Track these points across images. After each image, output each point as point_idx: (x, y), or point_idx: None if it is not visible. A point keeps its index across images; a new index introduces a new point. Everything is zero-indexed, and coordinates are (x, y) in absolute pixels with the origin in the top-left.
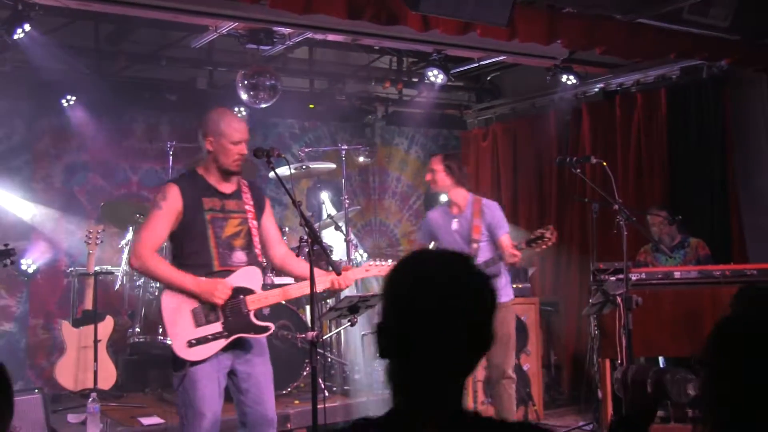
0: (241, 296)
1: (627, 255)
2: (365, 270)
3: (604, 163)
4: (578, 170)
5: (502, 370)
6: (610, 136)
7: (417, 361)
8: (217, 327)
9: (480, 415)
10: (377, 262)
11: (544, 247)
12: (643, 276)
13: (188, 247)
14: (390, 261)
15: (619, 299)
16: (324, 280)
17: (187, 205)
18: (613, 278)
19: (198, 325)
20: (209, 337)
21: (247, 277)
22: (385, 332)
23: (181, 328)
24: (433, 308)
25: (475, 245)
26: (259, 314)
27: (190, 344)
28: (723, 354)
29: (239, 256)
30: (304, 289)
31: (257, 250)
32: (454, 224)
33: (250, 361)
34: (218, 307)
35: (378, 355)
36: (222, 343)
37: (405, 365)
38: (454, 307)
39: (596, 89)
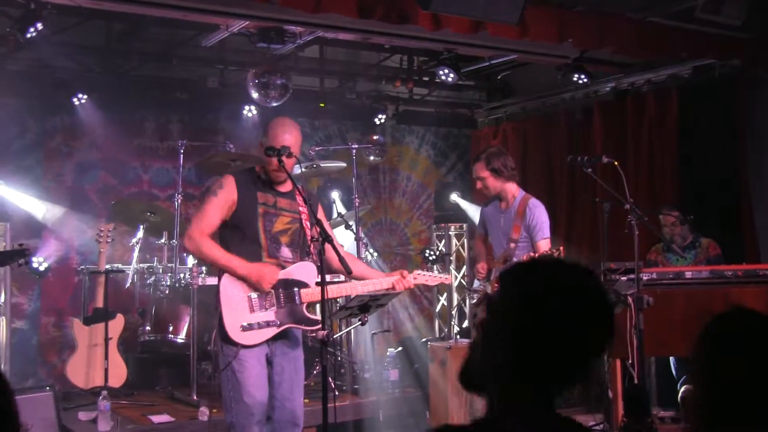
0: (296, 289)
1: (638, 255)
2: (413, 278)
3: (616, 163)
4: (589, 170)
5: None
6: (621, 136)
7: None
8: (270, 315)
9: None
10: (424, 273)
11: None
12: (654, 276)
13: (239, 237)
14: (438, 275)
15: (630, 299)
16: (384, 281)
17: (241, 196)
18: (624, 278)
19: (253, 311)
20: (262, 323)
21: (304, 271)
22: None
23: (236, 312)
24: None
25: (512, 245)
26: (310, 308)
27: (243, 328)
28: (705, 353)
29: (286, 251)
30: (356, 287)
31: (310, 249)
32: (501, 220)
33: (286, 354)
34: (273, 296)
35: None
36: (273, 331)
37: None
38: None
39: (607, 88)
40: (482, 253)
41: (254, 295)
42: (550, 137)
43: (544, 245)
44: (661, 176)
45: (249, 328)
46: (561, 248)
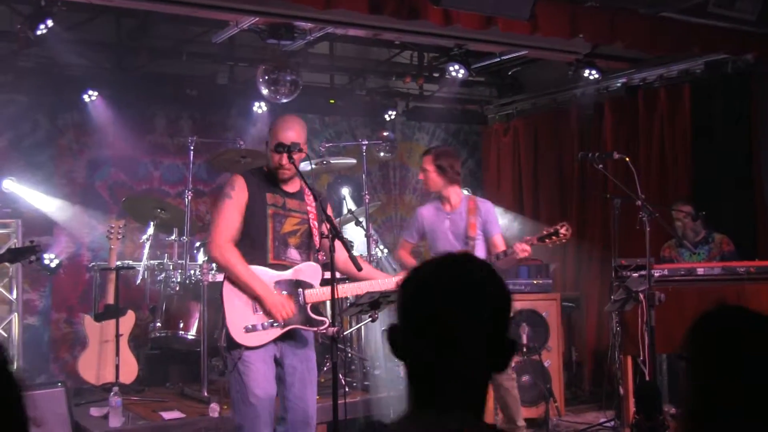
0: (300, 289)
1: (650, 251)
2: None
3: (627, 159)
4: (601, 165)
5: None
6: (632, 132)
7: (417, 368)
8: (270, 316)
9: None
10: None
11: (557, 243)
12: (666, 272)
13: (246, 237)
14: None
15: (641, 296)
16: (389, 281)
17: (251, 196)
18: (635, 274)
19: (256, 312)
20: (266, 324)
21: (308, 272)
22: (394, 339)
23: (239, 313)
24: (434, 312)
25: (471, 243)
26: (314, 308)
27: (247, 330)
28: (697, 348)
29: (293, 253)
30: (360, 287)
31: (317, 247)
32: (447, 222)
33: (297, 354)
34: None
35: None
36: (277, 332)
37: (416, 372)
38: (458, 310)
39: (618, 84)
40: (409, 264)
41: None
42: (560, 133)
43: (500, 240)
44: (673, 172)
45: (252, 329)
46: (566, 224)
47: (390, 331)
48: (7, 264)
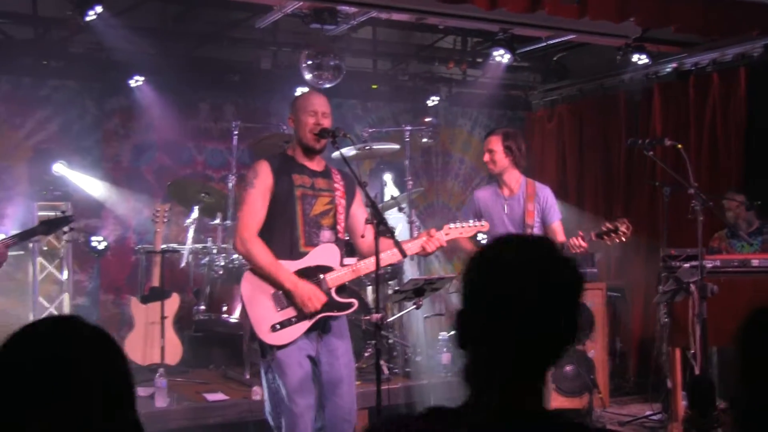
0: (321, 275)
1: (701, 241)
2: (445, 234)
3: (679, 146)
4: (651, 153)
5: None
6: (682, 118)
7: (492, 353)
8: (297, 309)
9: (558, 416)
10: (457, 225)
11: (616, 241)
12: (719, 263)
13: (275, 224)
14: (472, 222)
15: (693, 287)
16: (412, 246)
17: (277, 180)
18: (686, 265)
19: (280, 308)
20: (293, 319)
21: (325, 254)
22: (462, 320)
23: (263, 313)
24: (509, 295)
25: (528, 230)
26: (340, 291)
27: (274, 328)
28: (750, 343)
29: (326, 234)
30: (385, 258)
31: (340, 227)
32: (504, 207)
33: (333, 351)
34: None
35: (457, 344)
36: (306, 324)
37: (480, 357)
38: (534, 294)
39: (669, 69)
40: (463, 247)
41: (277, 291)
42: (607, 119)
43: (559, 227)
44: (726, 159)
45: (280, 327)
46: (626, 221)
47: (460, 318)
48: (43, 237)
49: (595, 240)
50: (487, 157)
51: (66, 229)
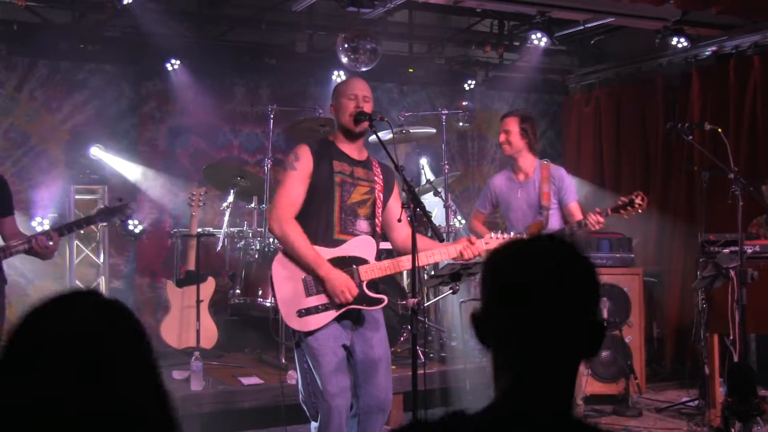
0: (354, 266)
1: (741, 226)
2: (485, 242)
3: (719, 130)
4: (690, 137)
5: None
6: (722, 103)
7: (517, 353)
8: (327, 297)
9: (587, 425)
10: (498, 235)
11: (633, 214)
12: (758, 249)
13: (311, 210)
14: (513, 234)
15: (732, 273)
16: (450, 250)
17: (317, 165)
18: (726, 250)
19: (309, 294)
20: (320, 307)
21: (361, 246)
22: (483, 319)
23: (291, 297)
24: (536, 294)
25: (545, 213)
26: (372, 286)
27: (300, 314)
28: None
29: (362, 224)
30: (420, 258)
31: (377, 221)
32: (520, 191)
33: (368, 340)
34: None
35: (479, 342)
36: (332, 314)
37: (505, 358)
38: (558, 293)
39: (708, 52)
40: (483, 233)
41: (308, 277)
42: (645, 103)
43: (576, 208)
44: (765, 144)
45: (306, 313)
46: (641, 193)
47: (476, 318)
48: (98, 224)
49: (612, 215)
50: (503, 138)
51: (123, 218)
